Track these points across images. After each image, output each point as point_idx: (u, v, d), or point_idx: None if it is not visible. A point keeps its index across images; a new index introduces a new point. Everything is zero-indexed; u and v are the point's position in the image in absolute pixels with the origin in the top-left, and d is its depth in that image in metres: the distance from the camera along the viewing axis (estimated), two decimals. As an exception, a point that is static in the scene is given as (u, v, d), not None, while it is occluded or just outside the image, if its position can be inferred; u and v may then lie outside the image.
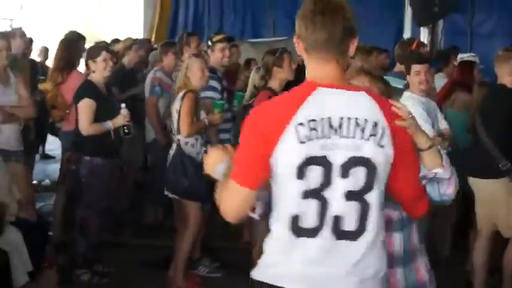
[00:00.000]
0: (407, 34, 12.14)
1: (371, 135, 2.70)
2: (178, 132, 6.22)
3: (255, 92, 6.66)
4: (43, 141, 11.60)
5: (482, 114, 5.93)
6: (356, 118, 2.70)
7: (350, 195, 2.71)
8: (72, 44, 7.96)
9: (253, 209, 2.82)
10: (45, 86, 8.41)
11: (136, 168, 8.34)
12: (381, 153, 2.72)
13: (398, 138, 2.76)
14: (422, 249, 3.53)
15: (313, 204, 2.71)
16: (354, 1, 10.82)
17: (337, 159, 2.70)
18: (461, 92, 7.01)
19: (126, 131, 6.41)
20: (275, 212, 2.79)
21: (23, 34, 8.72)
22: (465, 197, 6.10)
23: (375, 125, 2.71)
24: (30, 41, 10.59)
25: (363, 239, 2.74)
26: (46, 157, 12.45)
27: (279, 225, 2.78)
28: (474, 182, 5.97)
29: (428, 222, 6.03)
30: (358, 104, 2.74)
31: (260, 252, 2.86)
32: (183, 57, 7.34)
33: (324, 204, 2.71)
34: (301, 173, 2.70)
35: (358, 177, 2.71)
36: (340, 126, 2.70)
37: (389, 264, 2.99)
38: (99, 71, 6.49)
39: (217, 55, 7.30)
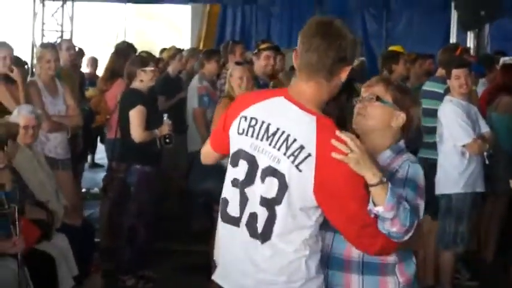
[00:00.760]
0: (453, 39, 12.06)
1: (291, 155, 2.77)
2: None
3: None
4: (93, 150, 11.82)
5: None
6: (288, 134, 2.80)
7: (262, 201, 2.84)
8: (123, 54, 8.12)
9: None
10: (90, 92, 8.61)
11: (181, 177, 8.42)
12: (296, 176, 2.76)
13: (326, 171, 2.73)
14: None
15: (237, 194, 2.93)
16: (404, 5, 10.93)
17: (261, 163, 2.85)
18: (505, 95, 6.96)
19: (167, 140, 6.49)
20: None
21: (72, 45, 8.88)
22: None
23: (301, 148, 2.76)
24: (80, 51, 10.79)
25: (267, 245, 2.84)
26: (95, 166, 12.65)
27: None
28: (515, 185, 5.96)
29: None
30: (299, 125, 2.80)
31: None
32: (228, 66, 7.40)
33: (244, 199, 2.90)
34: (233, 161, 2.98)
35: (271, 187, 2.81)
36: (273, 135, 2.84)
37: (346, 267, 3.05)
38: (147, 80, 6.58)
39: (262, 63, 7.34)
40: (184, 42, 15.74)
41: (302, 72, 2.88)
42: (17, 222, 4.92)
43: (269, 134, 2.85)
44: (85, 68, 11.83)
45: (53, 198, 5.84)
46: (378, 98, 3.08)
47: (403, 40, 14.65)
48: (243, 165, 2.91)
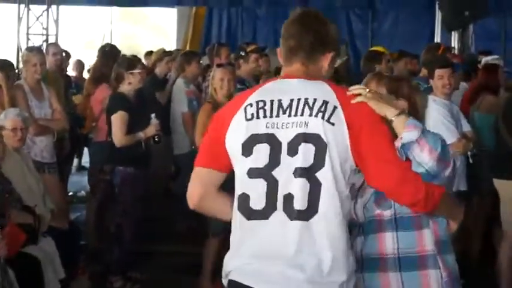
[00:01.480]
0: (437, 39, 12.12)
1: (319, 112, 2.71)
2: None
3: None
4: (80, 153, 11.81)
5: (505, 116, 5.95)
6: (306, 98, 2.76)
7: (300, 173, 2.69)
8: (109, 57, 8.14)
9: None
10: (78, 98, 8.62)
11: (167, 178, 8.44)
12: (330, 130, 2.69)
13: (355, 118, 2.73)
14: (438, 258, 3.05)
15: (261, 183, 2.74)
16: (389, 6, 10.98)
17: (285, 137, 2.73)
18: (487, 94, 6.99)
19: (156, 139, 6.56)
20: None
21: (59, 50, 8.89)
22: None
23: (325, 103, 2.73)
24: (67, 55, 10.79)
25: (314, 221, 2.68)
26: (82, 169, 12.63)
27: (234, 208, 2.86)
28: (499, 184, 6.00)
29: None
30: (311, 88, 2.80)
31: None
32: (213, 68, 7.43)
33: (273, 184, 2.73)
34: (246, 150, 2.78)
35: (307, 153, 2.70)
36: (290, 106, 2.76)
37: (382, 267, 2.97)
38: (135, 83, 6.63)
39: (252, 65, 7.36)
40: (171, 45, 15.73)
41: (284, 59, 2.93)
42: (-1, 227, 4.93)
43: (285, 108, 2.78)
44: (71, 71, 11.81)
45: (40, 202, 5.85)
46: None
47: (389, 40, 14.72)
48: (261, 149, 2.77)
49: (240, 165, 2.82)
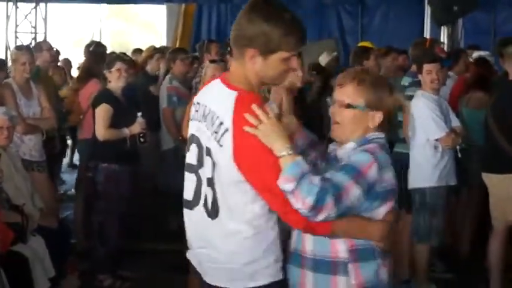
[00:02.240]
0: (427, 34, 12.13)
1: (214, 132, 2.88)
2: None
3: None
4: (72, 150, 11.79)
5: (494, 110, 5.96)
6: (214, 113, 2.93)
7: (207, 181, 2.95)
8: (94, 53, 8.14)
9: None
10: (64, 92, 8.60)
11: (153, 175, 8.42)
12: (219, 151, 2.87)
13: (241, 144, 2.81)
14: (350, 266, 2.98)
15: (192, 179, 3.03)
16: (379, 1, 10.98)
17: (204, 144, 2.96)
18: (476, 90, 7.00)
19: (141, 139, 6.55)
20: None
21: (49, 47, 8.88)
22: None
23: (220, 123, 2.86)
24: (57, 53, 10.77)
25: (216, 222, 2.94)
26: (74, 166, 12.60)
27: None
28: (488, 178, 6.01)
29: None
30: (222, 103, 2.90)
31: None
32: (204, 65, 7.42)
33: (199, 182, 3.00)
34: (188, 147, 3.10)
35: (208, 166, 2.93)
36: (207, 115, 2.96)
37: (302, 264, 3.02)
38: (114, 80, 6.64)
39: None
40: (161, 42, 15.71)
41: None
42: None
43: (205, 115, 2.97)
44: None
45: (28, 201, 5.83)
46: (349, 106, 3.02)
47: (379, 36, 14.74)
48: (194, 149, 3.02)
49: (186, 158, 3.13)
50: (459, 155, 6.11)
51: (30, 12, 14.38)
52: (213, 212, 2.95)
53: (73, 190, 10.08)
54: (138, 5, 18.95)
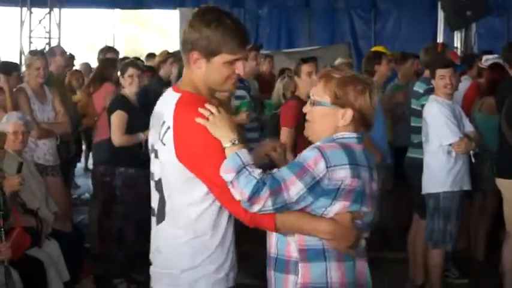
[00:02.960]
0: (440, 38, 12.12)
1: (159, 133, 2.93)
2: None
3: (282, 101, 6.74)
4: (86, 155, 11.85)
5: (507, 115, 5.94)
6: (158, 113, 3.01)
7: (155, 185, 3.03)
8: (112, 60, 8.19)
9: None
10: (77, 97, 8.64)
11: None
12: (162, 150, 2.91)
13: (182, 140, 2.84)
14: (300, 265, 2.94)
15: (153, 187, 3.06)
16: (392, 6, 10.97)
17: (155, 148, 3.00)
18: (490, 95, 6.98)
19: None
20: None
21: (63, 52, 8.92)
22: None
23: (163, 122, 2.91)
24: (72, 57, 10.82)
25: (160, 227, 3.00)
26: (88, 170, 12.63)
27: None
28: (501, 183, 5.99)
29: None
30: (168, 101, 2.96)
31: None
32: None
33: (162, 196, 3.00)
34: (151, 156, 3.08)
35: (157, 168, 2.98)
36: (154, 119, 3.04)
37: (269, 262, 3.03)
38: (127, 86, 6.68)
39: (251, 63, 7.36)
40: (174, 47, 15.76)
41: None
42: (1, 229, 4.93)
43: (155, 122, 3.01)
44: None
45: (43, 205, 5.86)
46: (316, 103, 3.00)
47: (392, 41, 14.76)
48: (152, 157, 3.05)
49: None
50: (473, 160, 6.08)
51: (44, 18, 14.45)
52: (160, 216, 3.00)
53: (87, 194, 10.16)
54: (151, 10, 19.00)
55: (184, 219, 2.91)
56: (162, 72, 9.09)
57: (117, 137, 6.53)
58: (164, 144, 2.88)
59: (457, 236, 6.19)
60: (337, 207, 2.85)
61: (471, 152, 6.00)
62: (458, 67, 6.63)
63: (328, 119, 2.97)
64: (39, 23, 14.42)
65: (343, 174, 2.83)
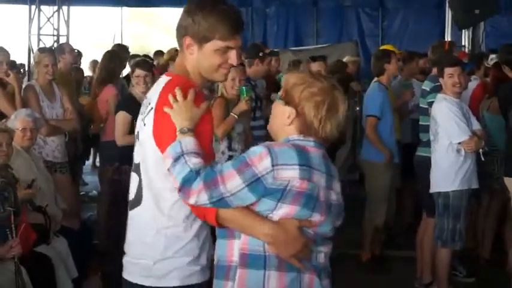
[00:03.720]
0: (448, 37, 12.10)
1: (143, 112, 2.96)
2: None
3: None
4: (95, 152, 11.86)
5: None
6: (147, 98, 3.01)
7: (134, 168, 2.99)
8: (115, 56, 8.19)
9: None
10: (84, 99, 8.65)
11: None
12: (143, 129, 2.92)
13: (159, 121, 2.82)
14: (238, 270, 2.77)
15: (136, 178, 2.98)
16: (399, 4, 10.99)
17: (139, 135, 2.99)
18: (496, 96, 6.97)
19: None
20: None
21: (71, 49, 8.93)
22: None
23: (148, 103, 2.94)
24: (79, 54, 10.84)
25: (136, 212, 2.97)
26: (96, 167, 12.64)
27: None
28: (509, 182, 5.98)
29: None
30: (156, 87, 2.98)
31: None
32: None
33: (140, 179, 2.95)
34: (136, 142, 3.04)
35: (139, 150, 2.96)
36: (146, 106, 2.97)
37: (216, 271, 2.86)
38: (135, 85, 6.74)
39: (265, 67, 7.41)
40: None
41: None
42: (12, 226, 4.95)
43: (144, 109, 2.98)
44: (87, 71, 11.85)
45: (51, 202, 5.87)
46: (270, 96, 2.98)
47: (399, 39, 14.74)
48: (136, 142, 3.03)
49: None
50: (482, 159, 6.06)
51: (52, 15, 14.50)
52: (136, 200, 2.95)
53: (95, 191, 10.18)
54: (158, 8, 19.02)
55: (160, 204, 2.84)
56: (170, 70, 9.11)
57: (120, 137, 6.57)
58: (145, 125, 2.89)
59: (465, 234, 6.19)
60: (284, 210, 2.68)
61: (480, 150, 5.99)
62: (466, 66, 6.62)
63: (278, 117, 2.88)
64: (48, 20, 14.47)
65: (290, 175, 2.66)
